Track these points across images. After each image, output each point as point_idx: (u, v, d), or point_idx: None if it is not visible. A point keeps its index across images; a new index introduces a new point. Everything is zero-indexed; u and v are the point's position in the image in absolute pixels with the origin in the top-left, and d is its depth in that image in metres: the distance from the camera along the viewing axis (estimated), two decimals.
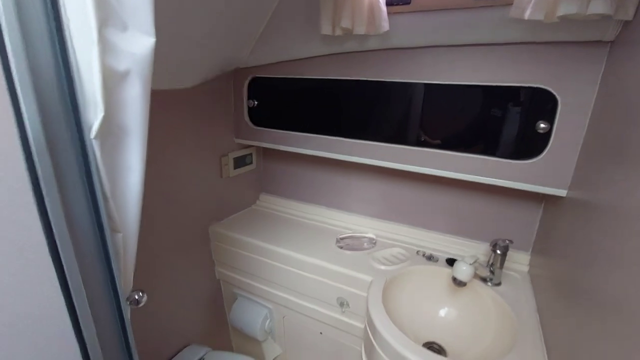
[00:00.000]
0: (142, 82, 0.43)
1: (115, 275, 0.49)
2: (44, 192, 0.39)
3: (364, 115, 1.17)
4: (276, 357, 1.45)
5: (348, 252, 1.21)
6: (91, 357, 0.48)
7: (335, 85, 1.17)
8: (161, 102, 1.05)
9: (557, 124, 0.87)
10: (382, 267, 1.12)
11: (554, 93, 0.86)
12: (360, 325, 1.13)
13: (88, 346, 0.47)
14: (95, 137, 0.41)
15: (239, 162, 1.45)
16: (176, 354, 1.31)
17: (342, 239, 1.29)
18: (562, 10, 0.69)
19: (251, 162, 1.52)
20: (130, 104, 0.43)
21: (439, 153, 1.04)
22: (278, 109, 1.34)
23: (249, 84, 1.34)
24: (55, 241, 0.42)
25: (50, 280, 0.44)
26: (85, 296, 0.47)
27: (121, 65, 0.41)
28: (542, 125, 0.89)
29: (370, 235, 1.33)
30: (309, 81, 1.21)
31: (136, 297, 0.58)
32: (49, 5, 0.36)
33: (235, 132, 1.41)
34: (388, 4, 0.92)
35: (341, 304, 1.15)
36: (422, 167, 1.08)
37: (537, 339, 0.84)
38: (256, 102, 1.34)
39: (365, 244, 1.27)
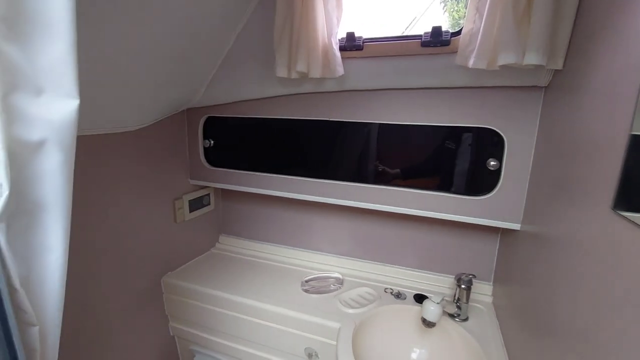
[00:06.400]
0: (63, 151, 0.37)
1: None
2: None
3: (322, 154, 1.17)
4: None
5: (314, 296, 1.15)
6: None
7: (293, 124, 1.16)
8: (100, 147, 0.97)
9: (505, 161, 0.92)
10: (350, 311, 1.07)
11: (500, 132, 0.92)
12: None
13: None
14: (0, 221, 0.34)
15: (195, 204, 1.36)
16: None
17: (307, 281, 1.23)
18: (501, 60, 0.74)
19: (209, 203, 1.43)
20: (48, 177, 0.37)
21: (399, 191, 1.06)
22: (235, 148, 1.29)
23: (204, 124, 1.29)
24: None
25: None
26: None
27: (34, 135, 0.35)
28: (492, 163, 0.93)
29: (337, 275, 1.28)
30: (266, 121, 1.19)
31: None
32: None
33: (191, 173, 1.33)
34: (341, 49, 0.94)
35: (309, 355, 1.07)
36: (383, 205, 1.08)
37: None
38: (212, 142, 1.28)
39: (331, 285, 1.22)
